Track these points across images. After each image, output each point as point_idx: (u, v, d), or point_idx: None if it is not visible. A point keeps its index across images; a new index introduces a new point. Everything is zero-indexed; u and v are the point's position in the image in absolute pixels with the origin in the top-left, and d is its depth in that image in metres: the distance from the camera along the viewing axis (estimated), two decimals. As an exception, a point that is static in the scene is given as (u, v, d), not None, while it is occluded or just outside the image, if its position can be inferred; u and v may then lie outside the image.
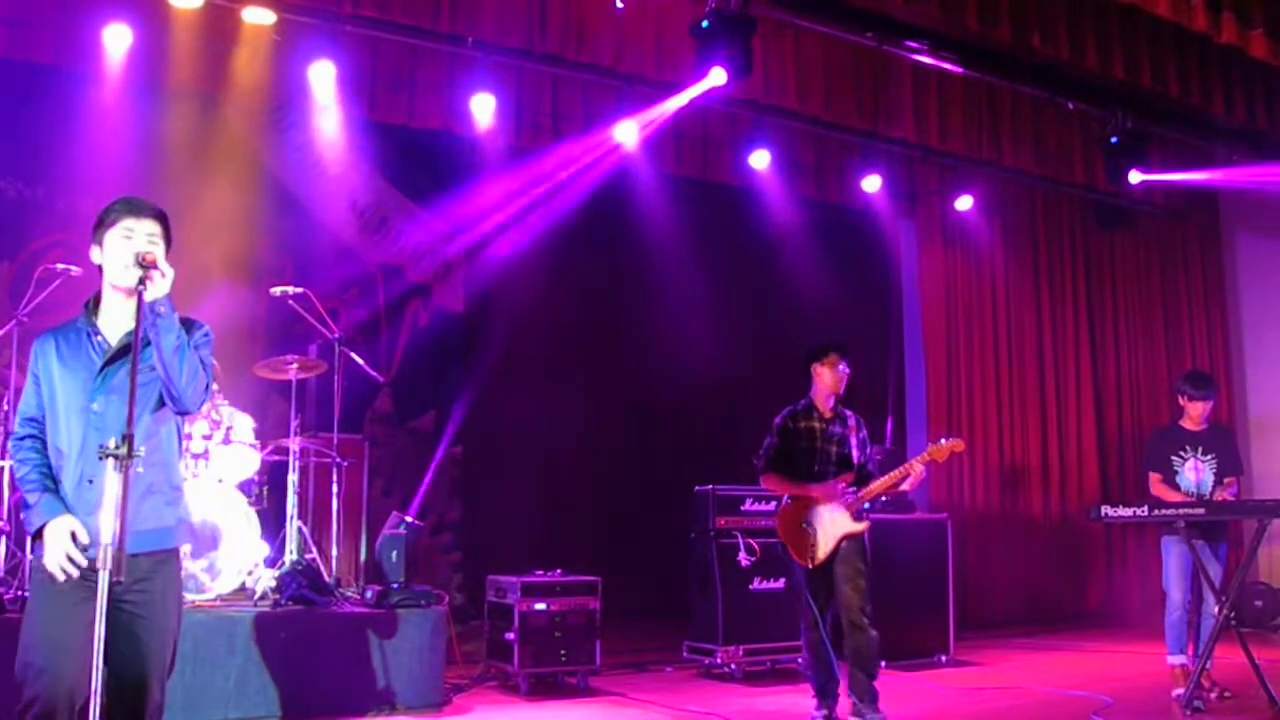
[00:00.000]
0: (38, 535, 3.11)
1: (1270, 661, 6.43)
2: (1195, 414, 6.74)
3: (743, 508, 7.61)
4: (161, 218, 3.26)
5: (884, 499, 5.88)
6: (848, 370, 5.92)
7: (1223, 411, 11.39)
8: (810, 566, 5.77)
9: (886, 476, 5.75)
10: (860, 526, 5.74)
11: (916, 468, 5.70)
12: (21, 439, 3.23)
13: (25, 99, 7.99)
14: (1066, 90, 9.28)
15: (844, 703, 5.83)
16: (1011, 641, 9.19)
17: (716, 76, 7.40)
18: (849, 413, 6.01)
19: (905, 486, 5.77)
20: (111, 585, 2.80)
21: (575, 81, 8.50)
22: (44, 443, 3.21)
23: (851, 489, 5.77)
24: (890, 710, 5.90)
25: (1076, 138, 9.90)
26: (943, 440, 5.83)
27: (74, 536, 3.05)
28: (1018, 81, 9.15)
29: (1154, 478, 6.75)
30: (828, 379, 5.90)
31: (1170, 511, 6.28)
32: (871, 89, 8.78)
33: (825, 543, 5.73)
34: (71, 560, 3.03)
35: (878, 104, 8.85)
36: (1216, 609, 6.20)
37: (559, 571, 7.06)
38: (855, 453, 5.91)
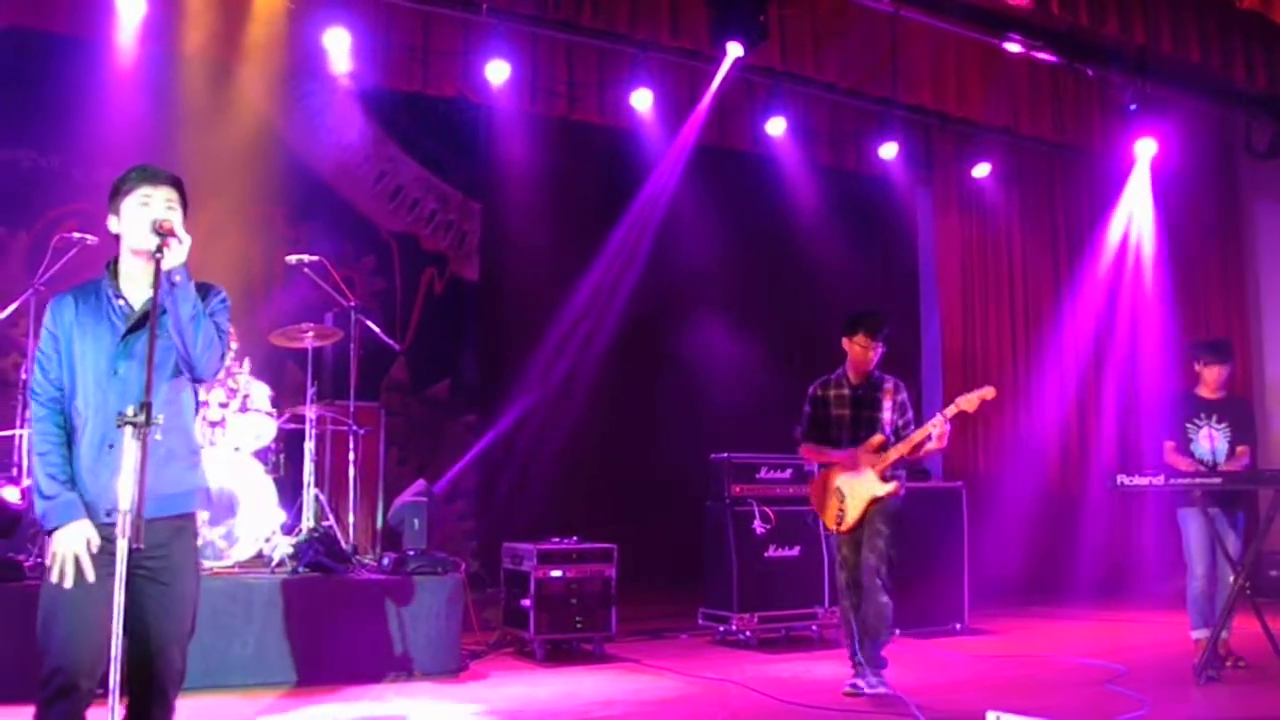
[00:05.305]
0: (50, 531, 3.08)
1: (1286, 630, 6.42)
2: (1212, 380, 6.68)
3: (758, 475, 7.61)
4: (177, 184, 3.24)
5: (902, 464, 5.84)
6: (880, 348, 5.84)
7: (1239, 380, 11.32)
8: (838, 531, 5.79)
9: (908, 438, 5.71)
10: (888, 488, 5.69)
11: (935, 425, 5.61)
12: (45, 405, 3.16)
13: (40, 68, 7.99)
14: (1085, 56, 9.18)
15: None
16: (1027, 610, 9.19)
17: (733, 50, 7.34)
18: (887, 377, 5.92)
19: (931, 445, 5.67)
20: (131, 552, 2.80)
21: (590, 48, 8.46)
22: (66, 415, 3.16)
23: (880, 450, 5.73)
24: (904, 677, 5.94)
25: (1095, 104, 9.81)
26: (974, 391, 5.72)
27: (88, 544, 3.03)
28: (1036, 48, 9.05)
29: (1168, 445, 6.70)
30: (855, 354, 5.87)
31: (1186, 481, 6.25)
32: (889, 55, 8.70)
33: (854, 507, 5.74)
34: (78, 566, 3.02)
35: (895, 70, 8.77)
36: (1233, 579, 6.19)
37: (575, 539, 7.09)
38: (887, 416, 5.83)
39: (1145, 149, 9.83)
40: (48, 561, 3.06)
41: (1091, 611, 9.19)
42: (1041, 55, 9.07)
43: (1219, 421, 6.61)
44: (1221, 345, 6.91)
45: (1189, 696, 5.86)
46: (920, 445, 5.70)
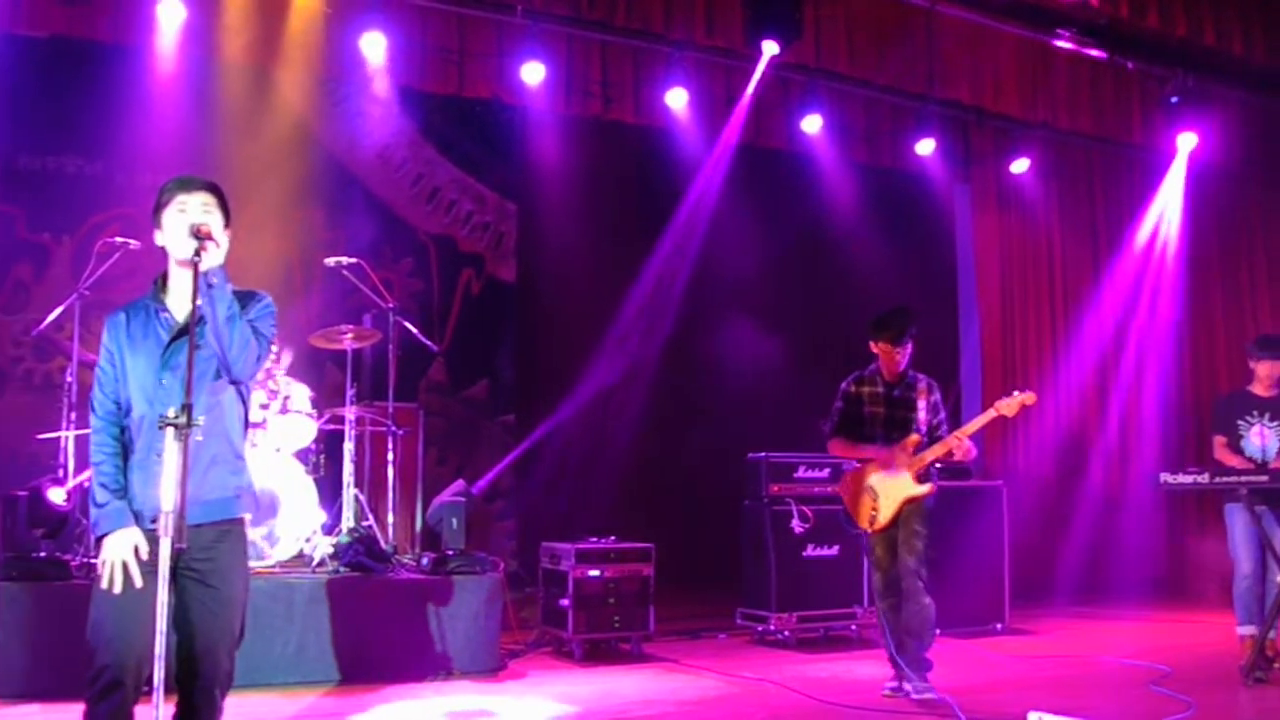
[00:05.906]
0: (101, 538, 3.14)
1: (1334, 630, 6.31)
2: (1264, 374, 6.57)
3: (796, 474, 7.58)
4: (214, 189, 3.27)
5: (938, 465, 5.78)
6: (908, 349, 5.77)
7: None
8: (870, 530, 5.76)
9: (938, 444, 5.65)
10: (923, 489, 5.64)
11: (962, 441, 5.56)
12: (102, 418, 3.23)
13: (83, 76, 8.09)
14: (1126, 49, 9.07)
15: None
16: (1068, 610, 9.10)
17: (768, 48, 7.32)
18: (920, 377, 5.86)
19: (957, 456, 5.65)
20: (176, 553, 2.85)
21: (625, 48, 8.47)
22: (123, 428, 3.22)
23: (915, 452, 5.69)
24: (944, 677, 5.89)
25: (1135, 98, 9.70)
26: (1015, 394, 5.64)
27: (136, 550, 3.09)
28: (1077, 42, 8.96)
29: (1218, 441, 6.60)
30: (881, 356, 5.83)
31: (1232, 478, 6.16)
32: (924, 51, 8.64)
33: (887, 507, 5.68)
34: (126, 573, 3.07)
35: (931, 66, 8.72)
36: (1279, 577, 6.09)
37: (613, 538, 7.09)
38: (922, 416, 5.77)
39: (1187, 142, 9.72)
40: (99, 568, 3.11)
41: (1135, 611, 9.09)
42: (1089, 51, 8.98)
43: (1271, 419, 6.50)
44: (1274, 341, 6.78)
45: (1236, 698, 5.78)
46: (949, 453, 5.66)
